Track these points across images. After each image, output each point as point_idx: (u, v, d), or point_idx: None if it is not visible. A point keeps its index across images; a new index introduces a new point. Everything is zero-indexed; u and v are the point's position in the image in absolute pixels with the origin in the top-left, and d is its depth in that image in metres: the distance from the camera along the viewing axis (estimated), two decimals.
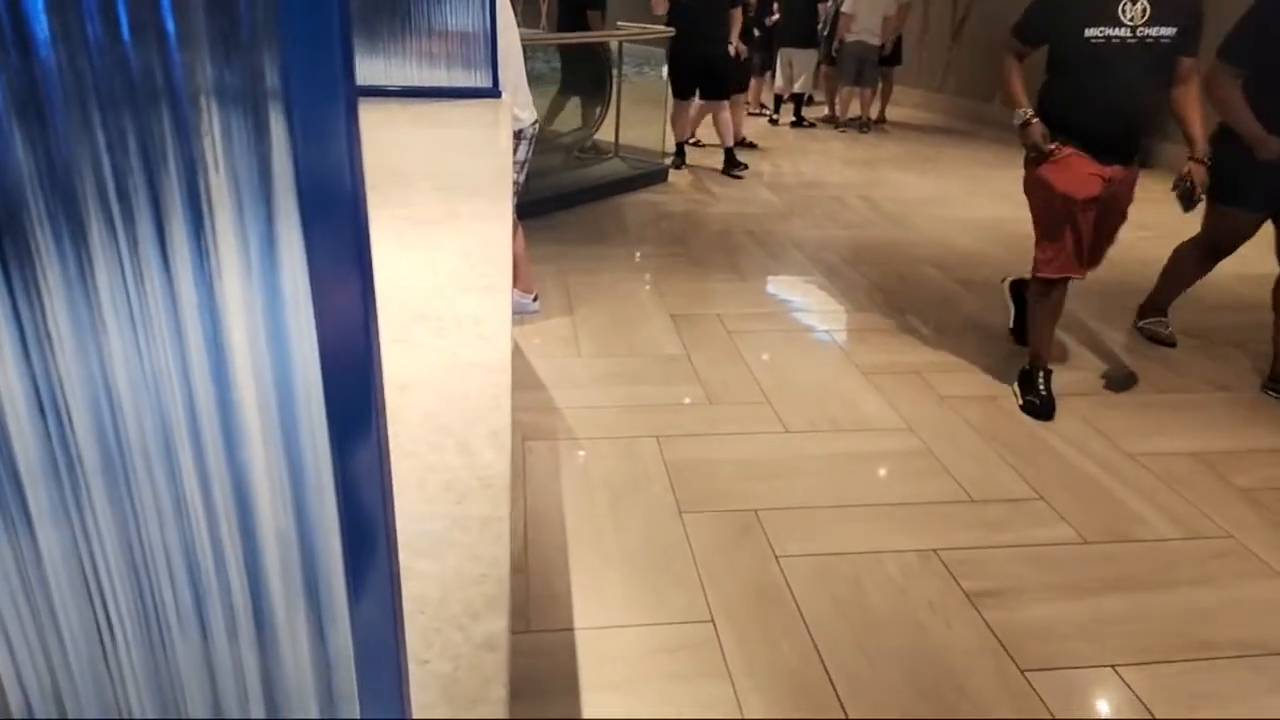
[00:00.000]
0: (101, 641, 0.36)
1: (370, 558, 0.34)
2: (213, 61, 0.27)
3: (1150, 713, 1.79)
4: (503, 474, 0.69)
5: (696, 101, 6.29)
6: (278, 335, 0.30)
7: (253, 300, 0.30)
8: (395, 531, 0.35)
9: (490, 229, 1.29)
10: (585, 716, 1.71)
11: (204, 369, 0.31)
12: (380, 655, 0.36)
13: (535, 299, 3.64)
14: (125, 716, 0.37)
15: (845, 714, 1.75)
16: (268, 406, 0.32)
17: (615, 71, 6.00)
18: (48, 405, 0.31)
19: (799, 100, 8.49)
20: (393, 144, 1.95)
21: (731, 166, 6.38)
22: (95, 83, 0.27)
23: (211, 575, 0.35)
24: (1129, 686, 1.86)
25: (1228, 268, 4.53)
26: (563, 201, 5.28)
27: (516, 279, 3.53)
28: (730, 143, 6.42)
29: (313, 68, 0.27)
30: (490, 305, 1.00)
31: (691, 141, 6.81)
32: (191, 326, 0.30)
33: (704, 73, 6.07)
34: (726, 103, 6.28)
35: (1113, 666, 1.91)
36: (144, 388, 0.31)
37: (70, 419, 0.31)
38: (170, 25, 0.26)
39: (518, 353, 3.29)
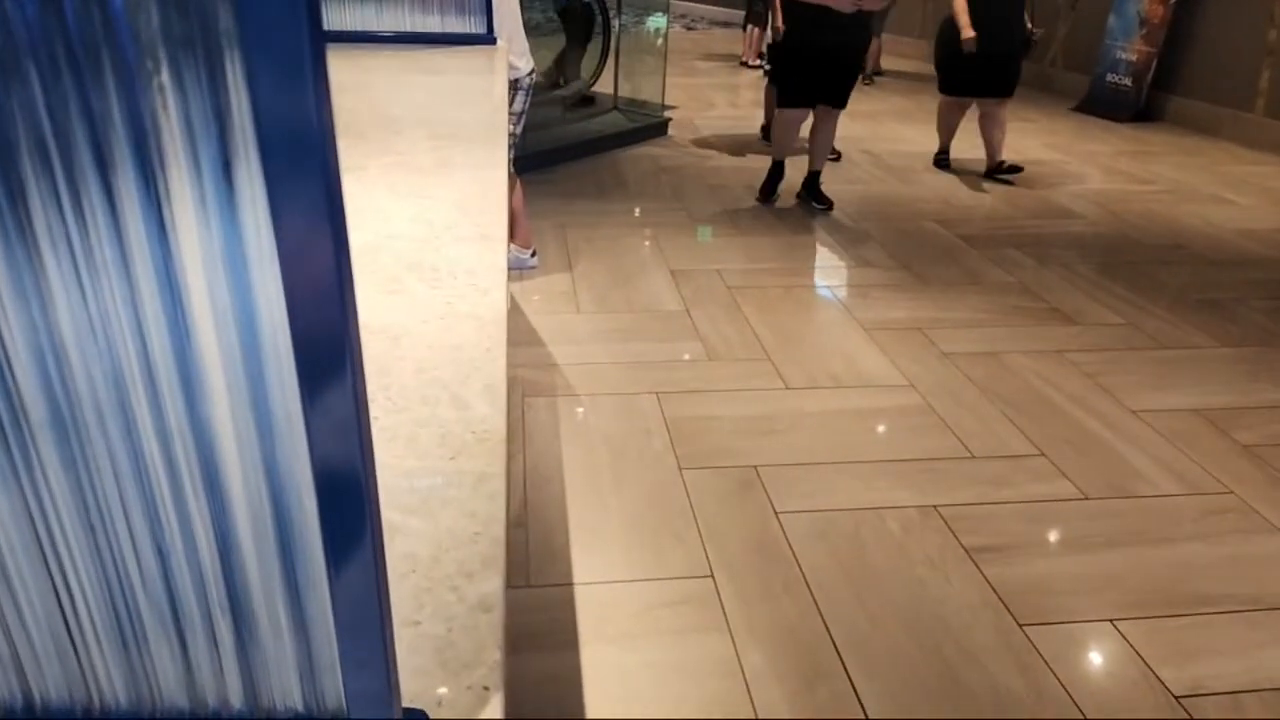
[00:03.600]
0: (63, 613, 0.33)
1: (349, 518, 0.32)
2: (159, 4, 0.23)
3: (1148, 666, 1.80)
4: (498, 429, 0.67)
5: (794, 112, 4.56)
6: (239, 280, 0.27)
7: (211, 243, 0.27)
8: (376, 490, 0.32)
9: (485, 177, 1.24)
10: (585, 673, 1.72)
11: (158, 316, 0.28)
12: (363, 622, 0.34)
13: (534, 254, 3.59)
14: (91, 685, 0.35)
15: (845, 668, 1.76)
16: (231, 356, 0.29)
17: (616, 21, 5.85)
18: None
19: None
20: (385, 91, 1.89)
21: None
22: (27, 28, 0.23)
23: (177, 539, 0.32)
24: (1126, 640, 1.86)
25: (1231, 223, 4.49)
26: (561, 155, 5.19)
27: (515, 234, 3.48)
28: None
29: (271, 9, 0.24)
30: (485, 255, 0.97)
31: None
32: (142, 271, 0.27)
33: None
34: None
35: (1111, 621, 1.92)
36: (92, 335, 0.28)
37: (11, 369, 0.28)
38: None
39: (516, 309, 3.25)
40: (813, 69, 4.25)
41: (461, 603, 0.50)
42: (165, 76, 0.24)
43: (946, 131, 5.44)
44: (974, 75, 4.86)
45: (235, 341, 0.29)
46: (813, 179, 4.61)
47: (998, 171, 5.18)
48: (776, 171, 4.66)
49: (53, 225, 0.26)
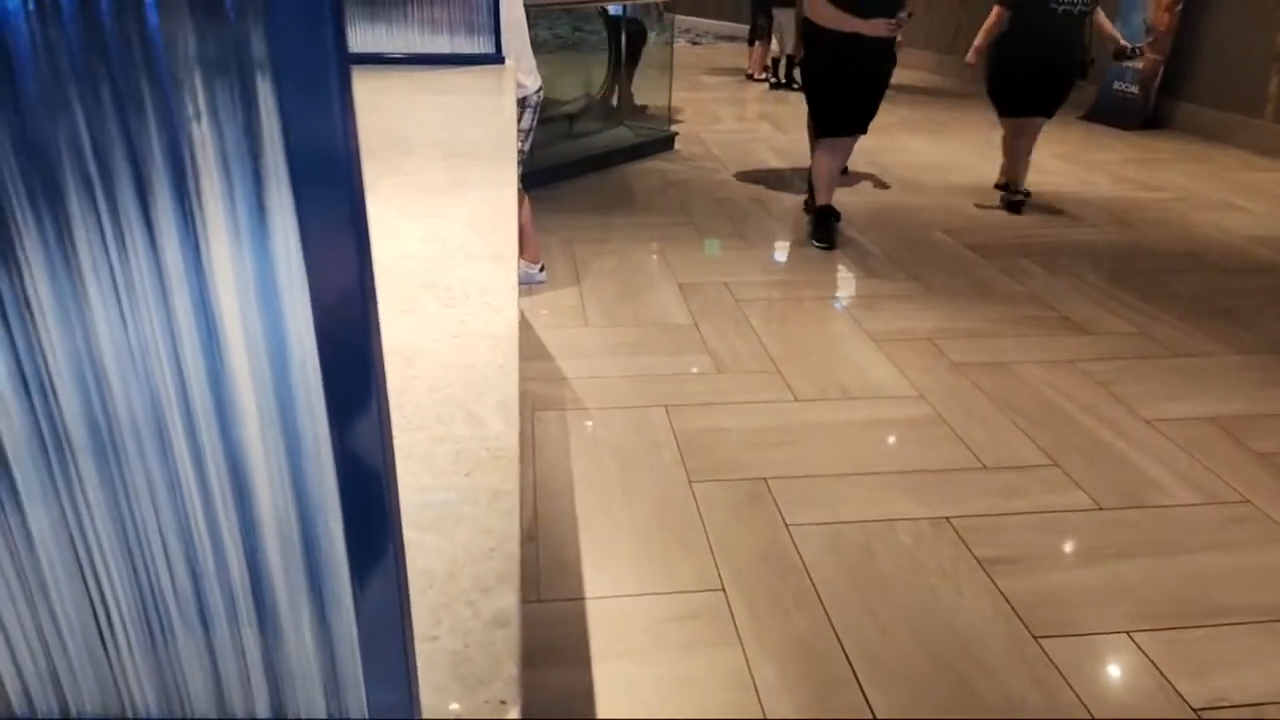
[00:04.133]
0: (99, 627, 0.34)
1: (373, 537, 0.33)
2: (195, 30, 0.25)
3: (1166, 679, 1.78)
4: (512, 445, 0.68)
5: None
6: (270, 306, 0.29)
7: (244, 270, 0.28)
8: (399, 509, 0.33)
9: (495, 196, 1.26)
10: (597, 688, 1.72)
11: (194, 341, 0.29)
12: (386, 638, 0.35)
13: (542, 269, 3.61)
14: (124, 696, 0.36)
15: (857, 680, 1.75)
16: (262, 380, 0.30)
17: (621, 36, 5.90)
18: (31, 380, 0.29)
19: (790, 62, 8.22)
20: (396, 112, 1.92)
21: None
22: (70, 53, 0.25)
23: (209, 557, 0.33)
24: (1144, 652, 1.85)
25: (1243, 229, 4.48)
26: (568, 171, 5.23)
27: (523, 249, 3.51)
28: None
29: (301, 35, 0.25)
30: (497, 274, 0.98)
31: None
32: (179, 300, 0.29)
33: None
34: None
35: (1127, 633, 1.90)
36: (131, 361, 0.29)
37: (55, 394, 0.30)
38: None
39: (525, 324, 3.27)
40: (857, 95, 4.04)
41: (478, 618, 0.51)
42: (201, 104, 0.26)
43: (1016, 160, 4.83)
44: (1030, 93, 4.57)
45: (266, 366, 0.30)
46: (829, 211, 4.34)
47: (1012, 192, 4.85)
48: (830, 214, 4.24)
49: (96, 256, 0.28)
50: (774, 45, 8.42)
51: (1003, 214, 4.82)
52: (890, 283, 3.82)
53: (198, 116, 0.26)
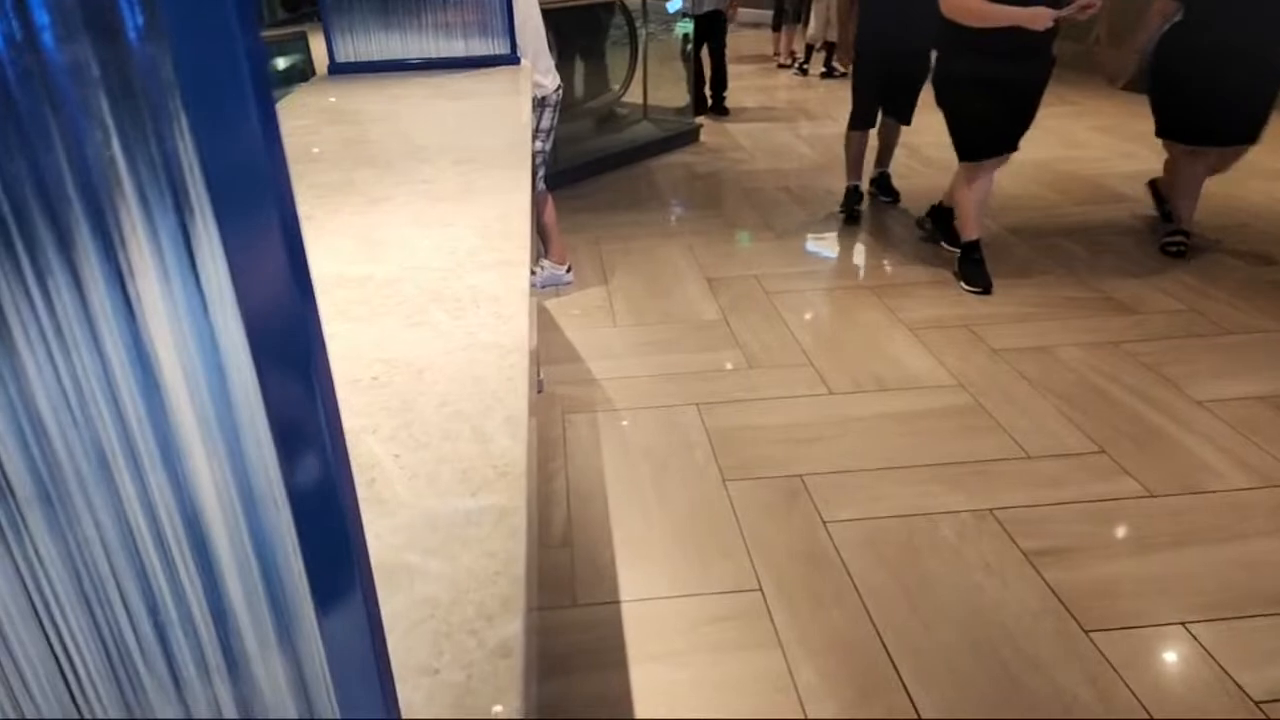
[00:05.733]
0: (66, 681, 0.33)
1: (337, 569, 0.31)
2: (97, 58, 0.23)
3: (1224, 670, 1.71)
4: (519, 461, 0.66)
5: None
6: (204, 339, 0.27)
7: (174, 304, 0.26)
8: (363, 539, 0.32)
9: (508, 201, 1.24)
10: (634, 693, 1.70)
11: (129, 382, 0.28)
12: (359, 675, 0.33)
13: (569, 270, 3.60)
14: None
15: (901, 680, 1.71)
16: (205, 416, 0.28)
17: (643, 30, 5.86)
18: None
19: (829, 49, 8.20)
20: (412, 119, 1.91)
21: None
22: None
23: (170, 605, 0.32)
24: (1200, 643, 1.78)
25: None
26: (593, 168, 5.21)
27: (549, 250, 3.50)
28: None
29: (210, 53, 0.23)
30: (507, 281, 0.96)
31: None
32: (110, 339, 0.27)
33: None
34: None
35: (1183, 624, 1.83)
36: (68, 407, 0.28)
37: None
38: (43, 18, 0.22)
39: (554, 325, 3.26)
40: (1008, 107, 3.30)
41: (481, 648, 0.49)
42: (113, 134, 0.24)
43: (1184, 198, 3.70)
44: (1217, 115, 3.38)
45: (208, 401, 0.28)
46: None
47: (1175, 238, 3.71)
48: (978, 250, 3.53)
49: (19, 303, 0.26)
50: (811, 28, 8.30)
51: (1040, 193, 4.69)
52: (925, 268, 3.74)
53: (109, 148, 0.24)
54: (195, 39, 0.22)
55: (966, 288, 3.50)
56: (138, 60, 0.23)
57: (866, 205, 4.51)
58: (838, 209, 4.42)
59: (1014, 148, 3.44)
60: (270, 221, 0.25)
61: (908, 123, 4.26)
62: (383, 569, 0.55)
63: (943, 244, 3.89)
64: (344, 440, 0.30)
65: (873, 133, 4.34)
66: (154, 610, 0.32)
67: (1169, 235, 3.74)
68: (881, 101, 4.18)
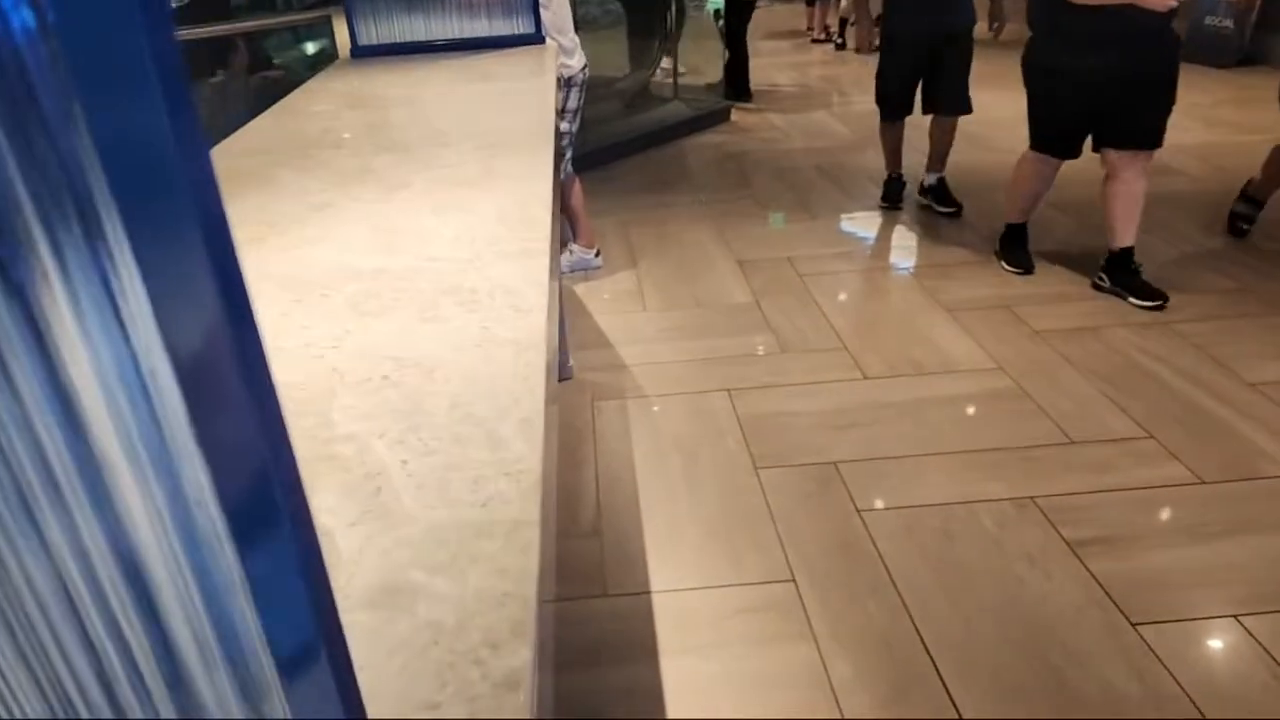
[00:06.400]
0: None
1: (293, 621, 0.27)
2: None
3: (1279, 664, 1.64)
4: (534, 468, 0.62)
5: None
6: (130, 383, 0.23)
7: (89, 333, 0.23)
8: (328, 584, 0.28)
9: (528, 188, 1.20)
10: (665, 685, 1.67)
11: (48, 424, 0.24)
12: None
13: (597, 254, 3.55)
14: None
15: (939, 674, 1.66)
16: (134, 454, 0.24)
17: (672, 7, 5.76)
18: None
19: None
20: (434, 103, 1.87)
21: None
22: None
23: (117, 668, 0.28)
24: (1253, 637, 1.70)
25: None
26: (621, 150, 5.14)
27: (577, 234, 3.45)
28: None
29: (106, 54, 0.19)
30: (527, 273, 0.92)
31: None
32: (21, 377, 0.23)
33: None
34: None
35: (1235, 616, 1.75)
36: None
37: None
38: None
39: (583, 311, 3.22)
40: (1106, 105, 2.89)
41: (486, 679, 0.45)
42: (5, 152, 0.20)
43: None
44: None
45: (135, 436, 0.24)
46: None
47: (1245, 213, 3.56)
48: (1022, 234, 3.39)
49: None
50: (845, 1, 8.12)
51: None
52: (963, 249, 3.63)
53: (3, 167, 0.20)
54: (90, 34, 0.18)
55: (1007, 268, 3.38)
56: (28, 61, 0.19)
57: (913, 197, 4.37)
58: (879, 202, 4.17)
59: (1112, 146, 3.02)
60: (190, 227, 0.21)
61: (967, 110, 3.81)
62: (385, 588, 0.52)
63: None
64: (295, 463, 0.26)
65: (922, 133, 4.00)
66: (96, 669, 0.28)
67: (1242, 212, 3.56)
68: (924, 96, 3.83)
